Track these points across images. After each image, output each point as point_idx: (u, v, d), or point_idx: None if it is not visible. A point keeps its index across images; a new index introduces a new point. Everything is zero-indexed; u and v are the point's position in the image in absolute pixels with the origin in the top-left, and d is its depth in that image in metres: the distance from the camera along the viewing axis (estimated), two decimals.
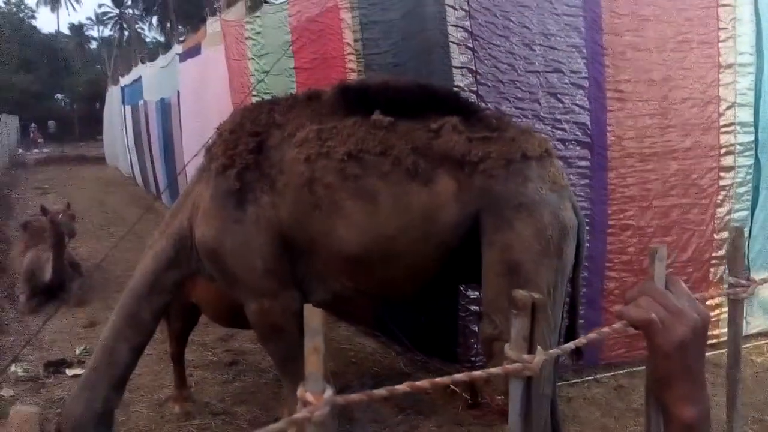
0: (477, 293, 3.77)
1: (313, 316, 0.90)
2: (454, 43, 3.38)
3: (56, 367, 4.42)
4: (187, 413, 3.62)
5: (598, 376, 3.88)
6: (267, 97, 4.00)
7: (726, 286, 1.50)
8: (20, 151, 23.63)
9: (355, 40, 4.10)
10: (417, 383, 0.91)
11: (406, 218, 2.23)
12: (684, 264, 3.99)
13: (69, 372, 4.35)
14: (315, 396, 0.84)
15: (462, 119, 2.35)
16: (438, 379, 0.93)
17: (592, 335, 1.22)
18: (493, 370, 1.00)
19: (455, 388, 3.83)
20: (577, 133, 3.69)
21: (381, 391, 0.90)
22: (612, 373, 3.88)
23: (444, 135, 2.30)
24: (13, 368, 4.38)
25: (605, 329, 1.07)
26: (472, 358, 3.73)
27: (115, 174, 16.85)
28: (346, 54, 4.16)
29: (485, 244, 2.22)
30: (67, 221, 5.77)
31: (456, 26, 3.37)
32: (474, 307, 3.74)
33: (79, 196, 9.48)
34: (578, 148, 3.69)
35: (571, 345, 1.27)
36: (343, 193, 2.27)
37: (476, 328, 3.75)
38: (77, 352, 4.70)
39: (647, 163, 3.84)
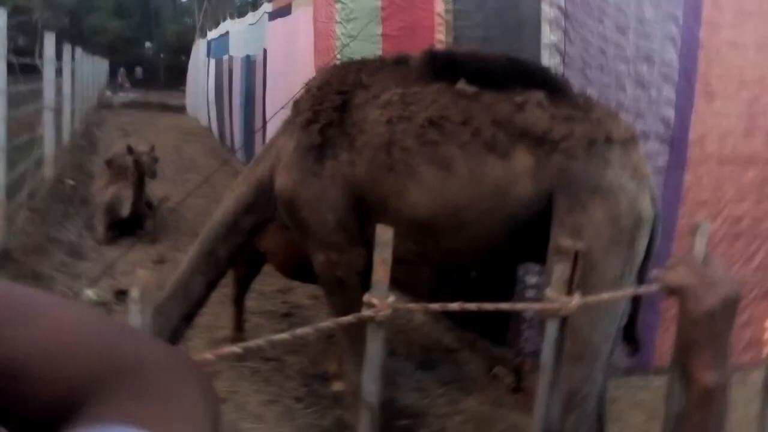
0: (534, 279, 3.74)
1: (384, 231, 1.00)
2: (545, 20, 3.31)
3: (125, 296, 4.70)
4: (240, 356, 3.79)
5: (647, 381, 3.79)
6: None
7: None
8: (108, 93, 24.74)
9: (446, 11, 4.07)
10: (404, 305, 0.97)
11: (479, 189, 2.23)
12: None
13: None
14: (380, 300, 0.94)
15: (548, 96, 2.32)
16: (451, 305, 0.97)
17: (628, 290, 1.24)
18: (534, 305, 1.05)
19: (498, 372, 3.85)
20: (660, 127, 3.56)
21: (435, 306, 0.97)
22: (662, 380, 3.79)
23: (527, 110, 2.28)
24: (86, 292, 4.69)
25: (641, 289, 1.11)
26: (521, 345, 3.73)
27: (194, 124, 17.44)
28: (435, 24, 4.13)
29: (555, 225, 2.20)
30: (150, 162, 6.06)
31: (549, 4, 3.30)
32: (530, 294, 3.71)
33: (159, 141, 9.79)
34: (658, 143, 3.57)
35: (595, 298, 1.29)
36: (419, 157, 2.30)
37: (528, 314, 3.74)
38: None
39: (725, 167, 3.68)
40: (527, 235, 2.31)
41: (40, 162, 6.63)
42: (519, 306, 0.98)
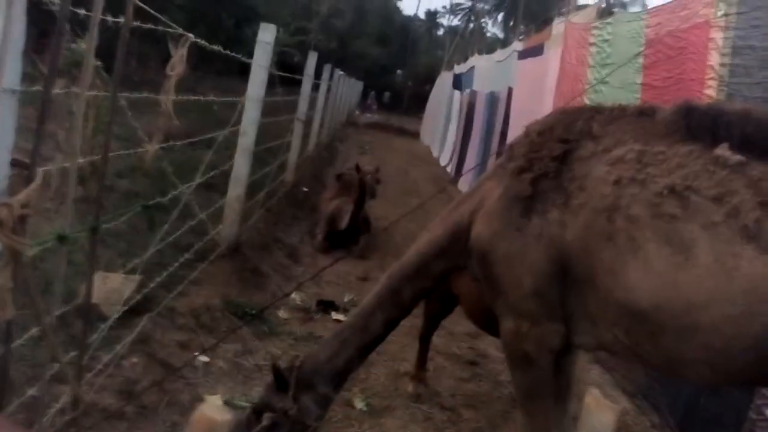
0: None
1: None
2: None
3: (325, 306, 4.88)
4: (418, 395, 3.64)
5: None
6: None
7: None
8: (357, 112, 27.00)
9: (722, 65, 3.52)
10: None
11: (725, 287, 1.73)
12: None
13: (334, 315, 4.76)
14: None
15: None
16: None
17: None
18: None
19: None
20: None
21: None
22: None
23: None
24: (294, 295, 4.97)
25: None
26: None
27: (425, 151, 18.12)
28: (706, 78, 3.60)
29: None
30: (372, 183, 6.32)
31: None
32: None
33: (389, 162, 10.30)
34: None
35: None
36: (648, 231, 1.87)
37: None
38: (345, 299, 5.12)
39: None
40: None
41: (283, 167, 7.31)
42: None
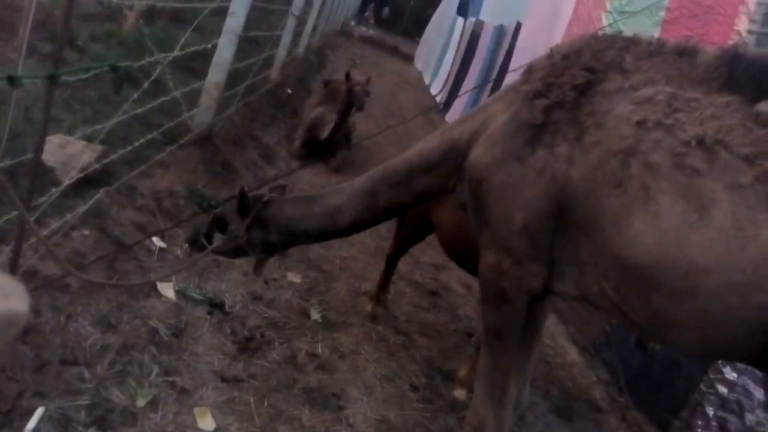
0: (735, 375, 3.04)
1: None
2: None
3: None
4: (375, 316, 3.58)
5: None
6: None
7: None
8: (352, 23, 25.91)
9: (749, 32, 3.31)
10: None
11: (737, 254, 1.59)
12: None
13: None
14: None
15: None
16: None
17: None
18: None
19: None
20: None
21: None
22: None
23: None
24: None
25: None
26: None
27: (416, 77, 17.59)
28: (730, 43, 3.40)
29: None
30: (362, 95, 6.01)
31: None
32: (722, 390, 3.02)
33: (377, 81, 9.85)
34: None
35: None
36: (665, 183, 1.70)
37: (710, 411, 3.06)
38: None
39: None
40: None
41: (268, 63, 6.92)
42: None
